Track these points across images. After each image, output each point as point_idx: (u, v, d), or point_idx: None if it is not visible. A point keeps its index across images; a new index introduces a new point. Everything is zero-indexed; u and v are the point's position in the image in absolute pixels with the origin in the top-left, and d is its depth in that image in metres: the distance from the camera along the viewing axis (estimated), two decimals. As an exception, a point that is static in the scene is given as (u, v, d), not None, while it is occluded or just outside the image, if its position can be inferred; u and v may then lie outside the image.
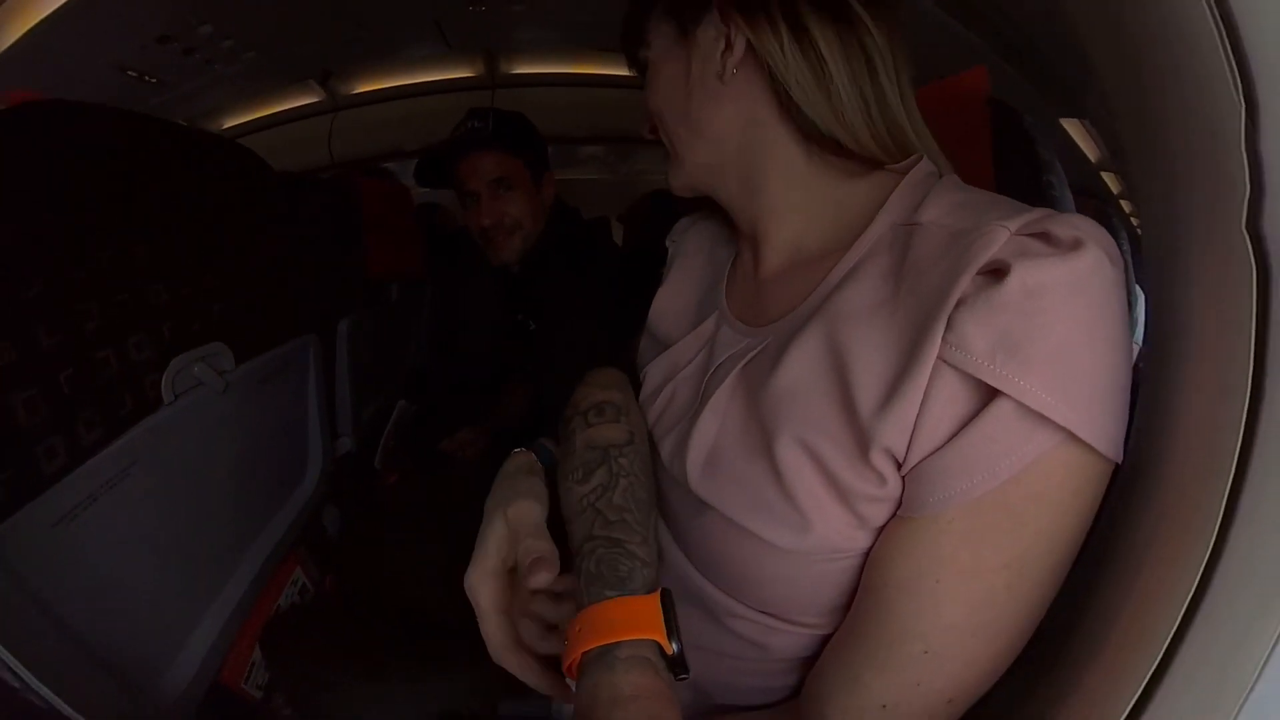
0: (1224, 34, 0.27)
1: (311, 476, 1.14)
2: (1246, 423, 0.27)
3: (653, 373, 0.57)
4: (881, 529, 0.39)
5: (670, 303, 0.62)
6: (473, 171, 1.11)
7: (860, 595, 0.40)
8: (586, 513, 0.48)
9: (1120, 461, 0.34)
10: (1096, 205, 0.80)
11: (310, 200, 1.22)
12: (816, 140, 0.46)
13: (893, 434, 0.36)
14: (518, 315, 1.27)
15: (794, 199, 0.48)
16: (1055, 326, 0.32)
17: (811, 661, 0.44)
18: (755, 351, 0.47)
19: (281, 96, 1.86)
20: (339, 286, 1.28)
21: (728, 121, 0.47)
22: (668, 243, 0.67)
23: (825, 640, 0.43)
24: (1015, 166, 0.58)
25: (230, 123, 1.84)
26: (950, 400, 0.35)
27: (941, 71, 0.64)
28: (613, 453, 0.51)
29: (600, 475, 0.50)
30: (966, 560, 0.35)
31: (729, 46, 0.46)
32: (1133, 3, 0.33)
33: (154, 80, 1.52)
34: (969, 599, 0.35)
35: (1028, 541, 0.34)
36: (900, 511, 0.38)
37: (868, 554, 0.40)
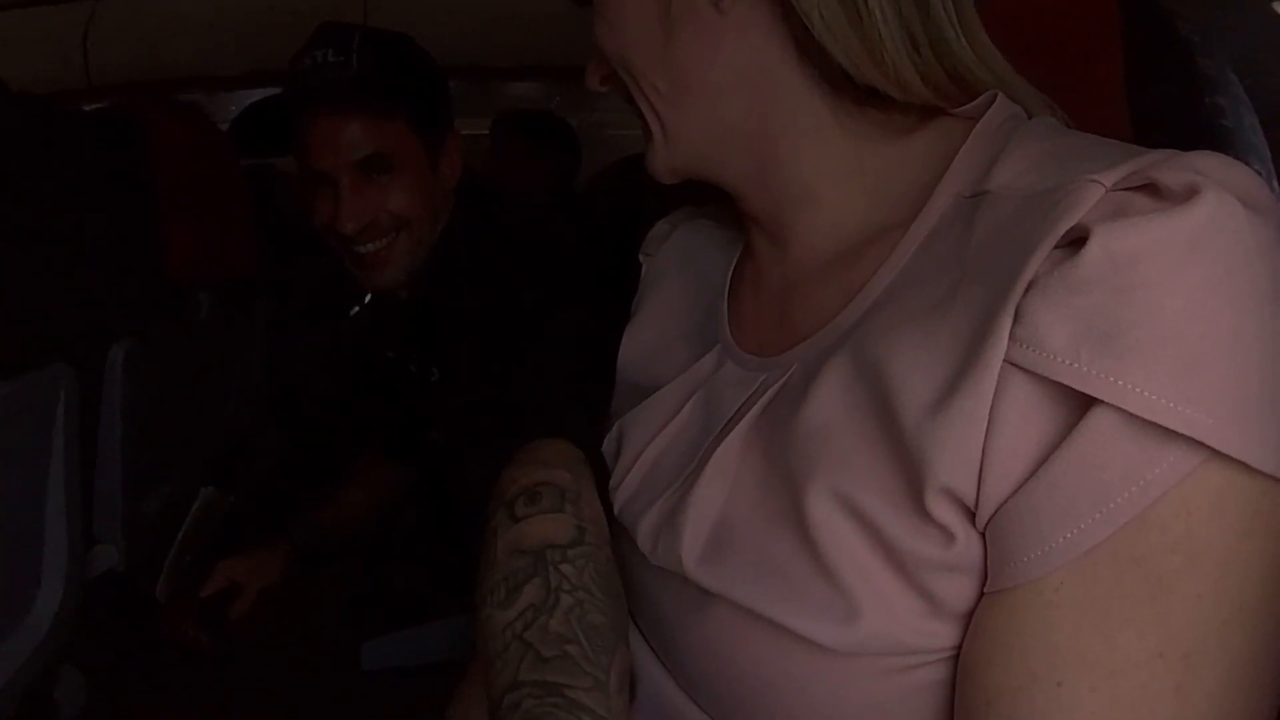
0: None
1: (42, 612, 1.08)
2: None
3: (627, 436, 0.62)
4: (970, 618, 0.42)
5: (646, 340, 0.69)
6: (325, 143, 1.07)
7: None
8: (511, 648, 0.53)
9: None
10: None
11: (66, 143, 1.17)
12: (847, 90, 0.50)
13: (952, 469, 0.39)
14: (394, 355, 1.30)
15: (825, 171, 0.53)
16: (1163, 303, 0.35)
17: None
18: (776, 388, 0.52)
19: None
20: (112, 288, 1.23)
21: (729, 69, 0.51)
22: (641, 256, 0.75)
23: None
24: (1160, 89, 0.61)
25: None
26: (1028, 417, 0.38)
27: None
28: (550, 557, 0.56)
29: (531, 591, 0.55)
30: (1097, 648, 0.37)
31: None
32: None
33: None
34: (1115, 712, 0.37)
35: (1185, 615, 0.36)
36: (988, 585, 0.41)
37: (957, 660, 0.43)
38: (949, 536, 0.41)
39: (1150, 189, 0.38)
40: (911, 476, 0.42)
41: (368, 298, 1.45)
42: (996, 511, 0.39)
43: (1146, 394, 0.35)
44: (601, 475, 0.64)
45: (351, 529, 1.34)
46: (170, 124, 1.41)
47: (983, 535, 0.41)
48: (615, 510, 0.61)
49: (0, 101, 1.03)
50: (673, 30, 0.51)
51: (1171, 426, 0.35)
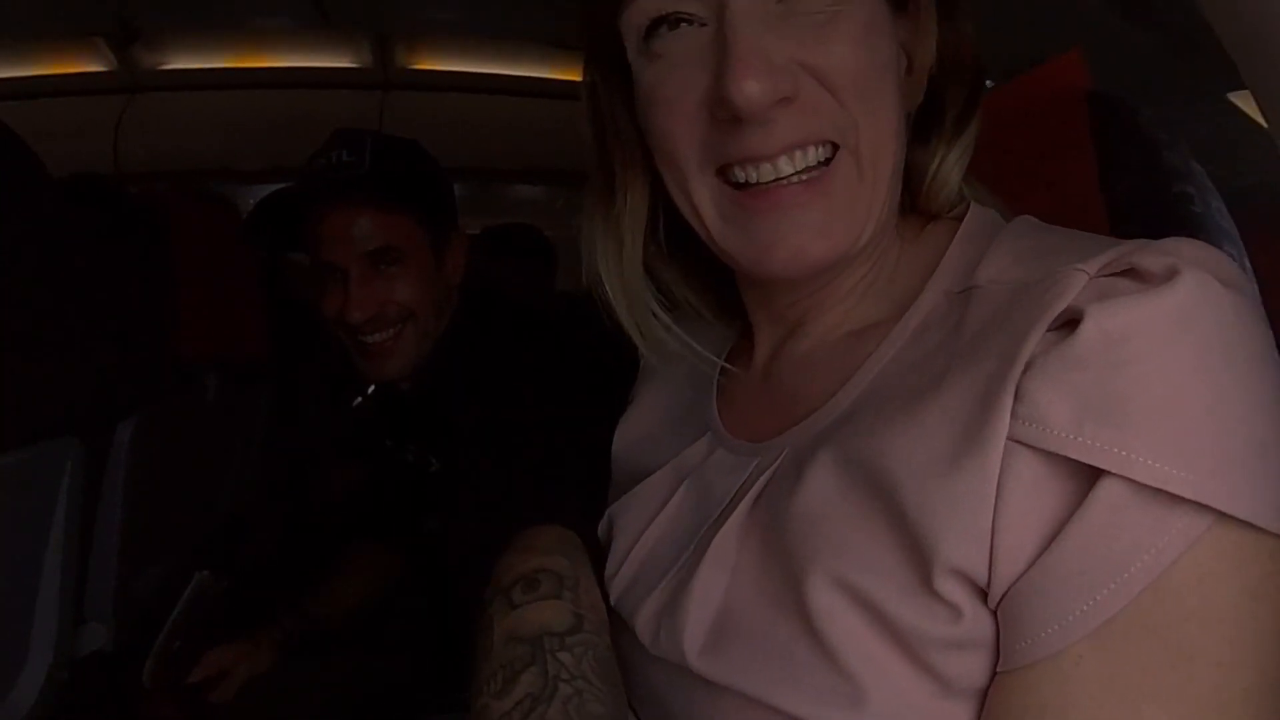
0: None
1: (25, 690, 1.05)
2: None
3: (618, 523, 0.62)
4: (982, 695, 0.42)
5: (639, 430, 0.69)
6: (337, 235, 1.10)
7: None
8: None
9: None
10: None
11: (94, 226, 1.20)
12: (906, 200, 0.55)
13: (962, 548, 0.40)
14: (393, 444, 1.30)
15: (861, 269, 0.54)
16: (1156, 376, 0.37)
17: None
18: (769, 474, 0.52)
19: (49, 57, 1.86)
20: (125, 365, 1.23)
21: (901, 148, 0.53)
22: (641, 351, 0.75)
23: None
24: (1130, 183, 0.64)
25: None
26: (1036, 493, 0.39)
27: (1039, 54, 0.71)
28: (548, 645, 0.55)
29: (528, 681, 0.53)
30: None
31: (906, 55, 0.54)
32: None
33: None
34: None
35: (1208, 683, 0.36)
36: (1002, 663, 0.40)
37: None
38: (956, 613, 0.41)
39: (1131, 273, 0.40)
40: (916, 557, 0.42)
41: (371, 389, 1.43)
42: (1009, 589, 0.40)
43: (1151, 462, 0.36)
44: (600, 564, 0.64)
45: (344, 617, 1.31)
46: (194, 211, 1.45)
47: (994, 612, 0.41)
48: (611, 600, 0.61)
49: (35, 183, 1.04)
50: (887, 83, 0.50)
51: (1178, 492, 0.35)
